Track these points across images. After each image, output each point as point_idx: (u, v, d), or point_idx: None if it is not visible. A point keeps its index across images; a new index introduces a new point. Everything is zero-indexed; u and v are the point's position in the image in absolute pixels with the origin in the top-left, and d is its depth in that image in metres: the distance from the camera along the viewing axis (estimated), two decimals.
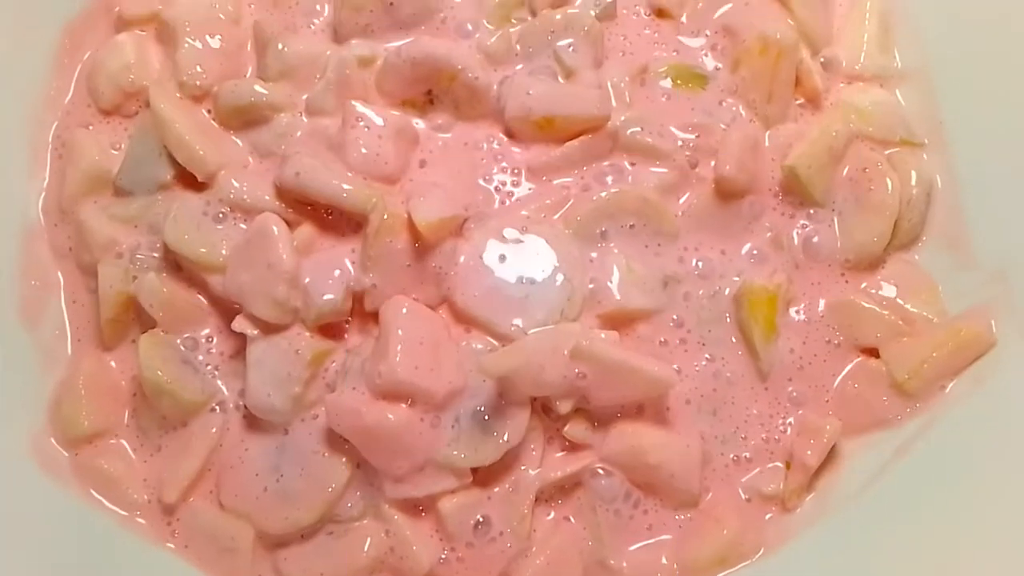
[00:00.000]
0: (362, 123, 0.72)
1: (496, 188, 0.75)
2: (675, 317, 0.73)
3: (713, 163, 0.74)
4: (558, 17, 0.77)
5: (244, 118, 0.75)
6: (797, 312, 0.74)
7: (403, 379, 0.65)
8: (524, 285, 0.70)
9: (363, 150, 0.71)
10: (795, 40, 0.75)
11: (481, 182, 0.75)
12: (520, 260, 0.71)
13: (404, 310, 0.68)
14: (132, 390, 0.73)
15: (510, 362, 0.65)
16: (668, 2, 0.80)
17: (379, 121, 0.73)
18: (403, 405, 0.66)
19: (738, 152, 0.73)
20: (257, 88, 0.74)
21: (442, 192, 0.71)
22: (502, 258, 0.71)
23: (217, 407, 0.71)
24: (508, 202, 0.74)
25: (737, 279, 0.73)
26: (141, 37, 0.79)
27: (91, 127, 0.78)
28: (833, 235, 0.75)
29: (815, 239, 0.75)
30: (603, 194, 0.73)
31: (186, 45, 0.75)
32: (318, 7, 0.80)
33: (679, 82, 0.78)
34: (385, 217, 0.68)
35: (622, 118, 0.74)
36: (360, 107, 0.72)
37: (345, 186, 0.70)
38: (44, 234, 0.76)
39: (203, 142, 0.73)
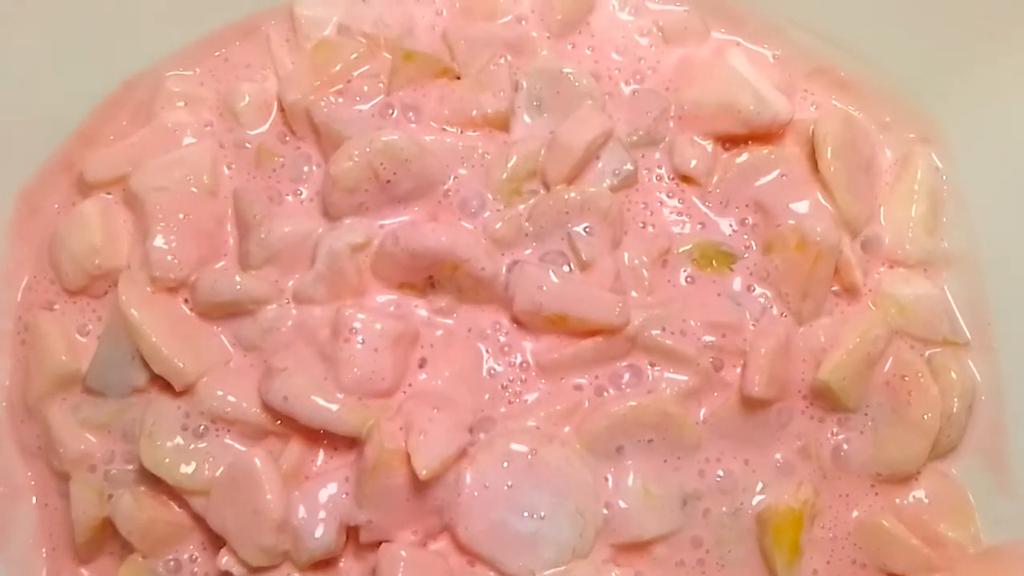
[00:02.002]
0: (357, 337, 0.65)
1: (503, 385, 0.69)
2: (693, 536, 0.68)
3: (739, 368, 0.68)
4: (573, 195, 0.69)
5: (226, 311, 0.68)
6: (823, 527, 0.69)
7: None
8: (533, 520, 0.65)
9: (356, 370, 0.65)
10: (836, 241, 0.68)
11: (487, 376, 0.69)
12: (529, 489, 0.65)
13: (402, 563, 0.62)
14: None
15: None
16: (695, 170, 0.72)
17: (376, 328, 0.66)
18: None
19: (768, 367, 0.66)
20: (239, 282, 0.67)
21: (444, 418, 0.65)
22: (509, 487, 0.65)
23: None
24: (516, 402, 0.68)
25: (761, 494, 0.68)
26: (107, 203, 0.71)
27: (56, 307, 0.71)
28: (865, 444, 0.69)
29: (845, 447, 0.70)
30: (618, 409, 0.67)
31: (158, 233, 0.67)
32: (305, 169, 0.72)
33: (704, 263, 0.72)
34: (382, 451, 0.63)
35: (641, 318, 0.68)
36: (353, 317, 0.65)
37: (337, 410, 0.64)
38: (9, 433, 0.70)
39: (180, 349, 0.66)
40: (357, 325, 0.65)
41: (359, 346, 0.65)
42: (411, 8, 0.76)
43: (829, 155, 0.69)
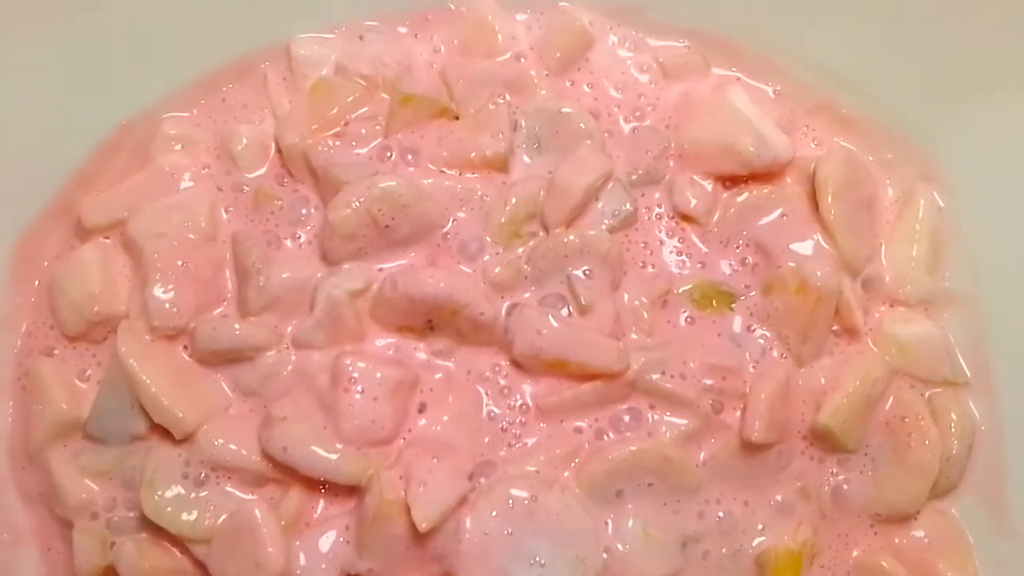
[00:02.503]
0: (356, 387, 0.65)
1: (503, 428, 0.69)
2: None
3: (739, 411, 0.68)
4: (572, 239, 0.69)
5: (225, 357, 0.68)
6: (822, 567, 0.70)
7: None
8: (534, 567, 0.65)
9: (356, 420, 0.65)
10: (837, 286, 0.67)
11: (486, 418, 0.69)
12: (529, 536, 0.65)
13: None
14: None
15: None
16: (695, 210, 0.72)
17: (375, 377, 0.66)
18: None
19: (768, 412, 0.66)
20: (238, 329, 0.67)
21: (444, 467, 0.65)
22: (509, 533, 0.65)
23: None
24: (516, 445, 0.68)
25: (761, 535, 0.68)
26: (105, 248, 0.71)
27: (55, 352, 0.71)
28: (865, 484, 0.69)
29: (845, 487, 0.70)
30: (618, 454, 0.67)
31: (156, 282, 0.67)
32: (303, 212, 0.72)
33: (704, 303, 0.71)
34: (382, 502, 0.63)
35: (641, 362, 0.67)
36: (353, 366, 0.65)
37: (337, 460, 0.64)
38: (11, 478, 0.70)
39: (179, 398, 0.66)
40: (356, 375, 0.65)
41: (358, 396, 0.65)
42: (409, 45, 0.75)
43: (830, 199, 0.69)
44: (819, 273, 0.67)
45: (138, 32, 0.71)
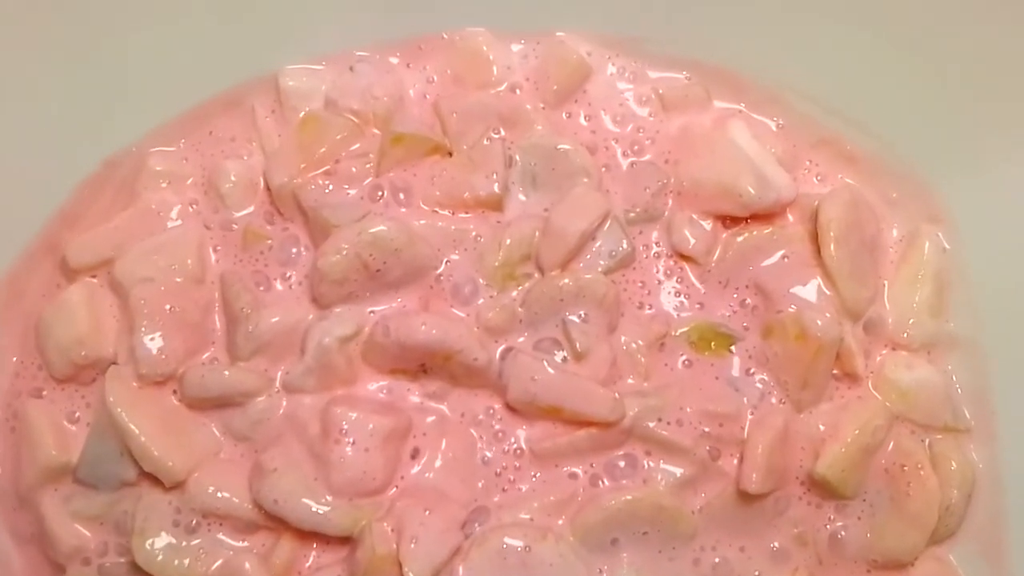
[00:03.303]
0: (348, 438, 0.64)
1: (497, 473, 0.68)
2: None
3: (736, 458, 0.67)
4: (568, 282, 0.67)
5: (215, 403, 0.67)
6: None
7: None
8: None
9: (347, 472, 0.64)
10: (838, 336, 0.66)
11: (480, 463, 0.68)
12: None
13: None
14: None
15: None
16: (694, 249, 0.70)
17: (368, 428, 0.65)
18: None
19: (765, 464, 0.65)
20: (227, 377, 0.66)
21: (436, 519, 0.64)
22: None
23: None
24: (510, 490, 0.68)
25: None
26: (92, 289, 0.69)
27: (44, 393, 0.69)
28: (862, 531, 0.69)
29: (842, 534, 0.69)
30: (614, 503, 0.66)
31: (144, 329, 0.66)
32: (293, 251, 0.70)
33: (703, 345, 0.70)
34: (373, 556, 0.62)
35: (636, 409, 0.66)
36: (344, 416, 0.64)
37: (328, 512, 0.63)
38: (2, 520, 0.69)
39: (169, 445, 0.65)
40: (346, 427, 0.64)
41: (349, 449, 0.64)
42: (401, 76, 0.73)
43: (833, 247, 0.67)
44: (820, 323, 0.66)
45: (122, 66, 0.69)
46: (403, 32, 0.72)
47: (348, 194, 0.69)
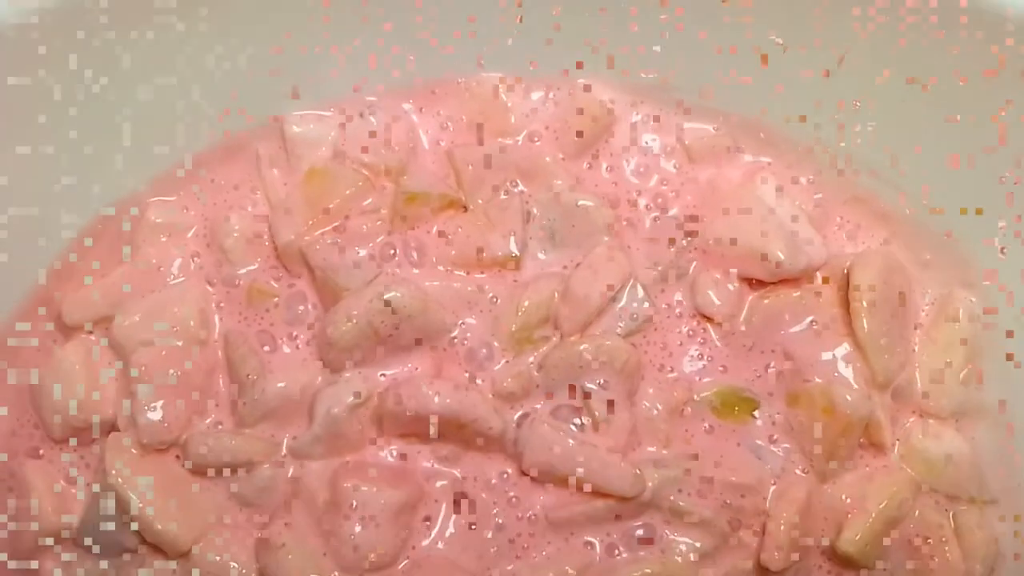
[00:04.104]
0: (357, 514, 0.62)
1: (511, 540, 0.66)
2: None
3: (756, 530, 0.65)
4: (587, 347, 0.65)
5: (219, 469, 0.64)
6: None
7: None
8: None
9: (356, 549, 0.62)
10: (867, 412, 0.64)
11: (494, 530, 0.65)
12: None
13: None
14: None
15: None
16: (718, 311, 0.67)
17: (379, 503, 0.62)
18: None
19: (787, 540, 0.63)
20: (232, 444, 0.63)
21: None
22: None
23: None
24: (523, 558, 0.65)
25: None
26: (89, 347, 0.66)
27: (41, 453, 0.67)
28: None
29: None
30: (632, 574, 0.64)
31: (144, 397, 0.63)
32: (300, 309, 0.67)
33: (726, 411, 0.68)
34: None
35: (656, 479, 0.64)
36: (354, 490, 0.62)
37: None
38: None
39: (172, 516, 0.62)
40: (355, 502, 0.62)
41: (359, 526, 0.62)
42: (413, 124, 0.69)
43: (864, 318, 0.64)
44: (850, 398, 0.64)
45: (119, 113, 0.65)
46: (415, 76, 0.68)
47: (359, 254, 0.66)
